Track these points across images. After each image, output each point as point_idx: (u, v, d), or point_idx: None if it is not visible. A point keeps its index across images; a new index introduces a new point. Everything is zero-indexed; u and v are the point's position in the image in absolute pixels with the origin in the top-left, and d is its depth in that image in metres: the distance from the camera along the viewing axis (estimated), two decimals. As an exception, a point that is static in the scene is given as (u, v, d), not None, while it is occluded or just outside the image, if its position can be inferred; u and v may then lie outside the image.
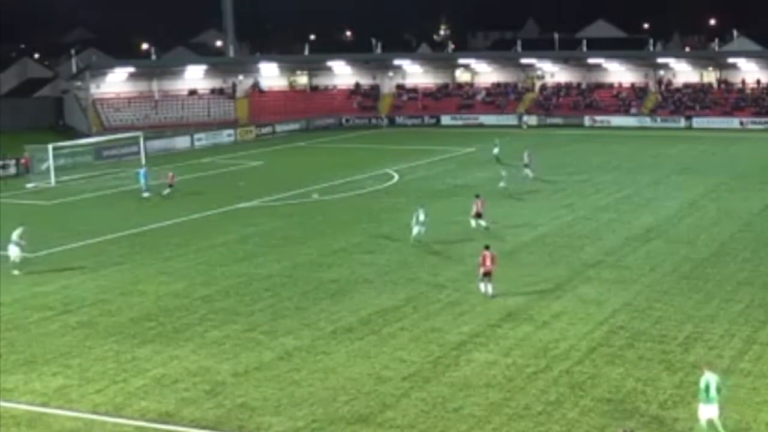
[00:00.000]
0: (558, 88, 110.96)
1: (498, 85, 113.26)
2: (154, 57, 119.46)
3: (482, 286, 36.76)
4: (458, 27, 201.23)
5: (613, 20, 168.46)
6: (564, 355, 29.69)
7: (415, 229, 45.60)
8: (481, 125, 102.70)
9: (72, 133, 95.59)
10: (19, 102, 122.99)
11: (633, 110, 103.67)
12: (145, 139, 79.75)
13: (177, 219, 53.48)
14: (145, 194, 60.68)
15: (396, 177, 67.04)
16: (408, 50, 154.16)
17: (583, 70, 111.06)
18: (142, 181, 61.23)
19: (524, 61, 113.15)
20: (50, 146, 70.85)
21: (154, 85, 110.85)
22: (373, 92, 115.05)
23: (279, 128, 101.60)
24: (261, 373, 29.17)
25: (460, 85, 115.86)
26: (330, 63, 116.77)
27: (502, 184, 58.92)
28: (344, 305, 35.91)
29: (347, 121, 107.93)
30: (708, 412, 23.15)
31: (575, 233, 47.50)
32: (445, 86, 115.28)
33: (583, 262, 41.62)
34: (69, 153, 74.35)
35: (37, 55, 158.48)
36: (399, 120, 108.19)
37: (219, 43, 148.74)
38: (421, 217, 45.57)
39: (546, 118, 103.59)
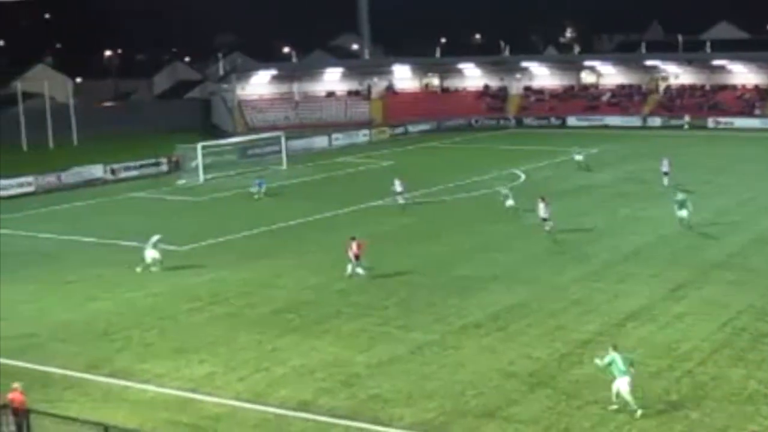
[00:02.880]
0: (682, 89, 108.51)
1: (623, 86, 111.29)
2: (294, 60, 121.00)
3: (350, 267, 39.23)
4: (584, 29, 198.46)
5: (737, 21, 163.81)
6: (686, 356, 29.08)
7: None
8: (606, 126, 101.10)
9: (218, 132, 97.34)
10: (170, 103, 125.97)
11: (757, 112, 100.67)
12: (286, 138, 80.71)
13: (312, 216, 53.89)
14: (255, 196, 61.52)
15: (523, 177, 66.53)
16: (535, 52, 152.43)
17: (707, 71, 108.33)
18: (257, 188, 62.06)
19: (648, 62, 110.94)
20: (199, 145, 72.29)
21: (295, 87, 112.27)
22: (501, 94, 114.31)
23: (411, 129, 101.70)
24: (393, 365, 29.34)
25: (585, 87, 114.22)
26: (460, 65, 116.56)
27: (509, 202, 52.43)
28: (473, 301, 35.84)
29: (476, 121, 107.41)
30: (618, 384, 24.98)
31: (698, 234, 46.38)
32: (571, 88, 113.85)
33: (706, 263, 40.63)
34: (216, 152, 75.71)
35: (187, 59, 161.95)
36: (526, 121, 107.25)
37: (355, 47, 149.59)
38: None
39: (669, 119, 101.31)
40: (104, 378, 29.12)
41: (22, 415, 24.57)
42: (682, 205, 46.97)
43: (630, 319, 32.94)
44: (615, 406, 25.10)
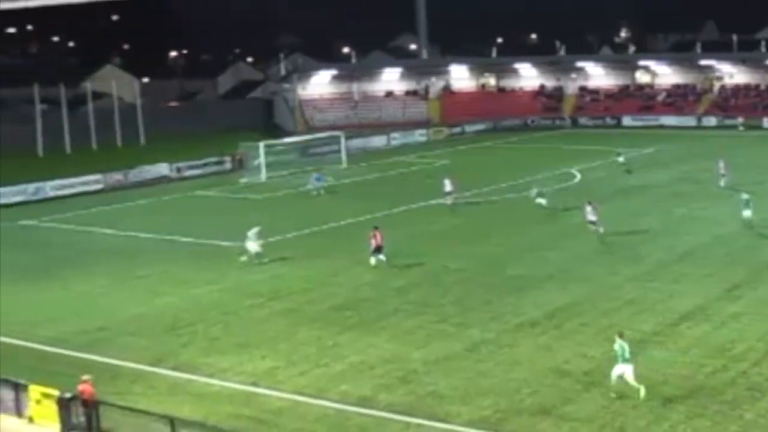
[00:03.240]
0: (736, 89, 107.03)
1: (677, 86, 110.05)
2: (354, 60, 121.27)
3: (373, 259, 40.74)
4: (639, 29, 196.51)
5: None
6: (741, 356, 28.69)
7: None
8: (661, 126, 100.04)
9: (280, 132, 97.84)
10: (234, 103, 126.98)
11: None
12: (345, 138, 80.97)
13: (369, 215, 53.61)
14: (314, 192, 62.31)
15: (578, 176, 66.10)
16: (590, 52, 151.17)
17: (761, 71, 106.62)
18: (316, 183, 62.93)
19: (703, 62, 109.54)
20: (261, 144, 72.75)
21: (354, 87, 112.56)
22: (557, 93, 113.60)
23: (468, 128, 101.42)
24: (450, 362, 29.34)
25: (640, 87, 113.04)
26: (516, 65, 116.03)
27: (540, 200, 53.54)
28: (528, 300, 35.71)
29: (532, 121, 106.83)
30: (622, 369, 25.94)
31: (755, 234, 45.67)
32: (626, 87, 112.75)
33: (762, 263, 40.03)
34: (277, 151, 76.17)
35: (250, 59, 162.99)
36: (581, 121, 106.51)
37: (413, 47, 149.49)
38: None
39: (724, 119, 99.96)
40: (170, 371, 29.49)
41: (91, 406, 24.99)
42: (746, 204, 46.71)
43: (685, 319, 32.58)
44: (614, 394, 25.96)
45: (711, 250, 42.93)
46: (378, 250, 41.16)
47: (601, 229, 45.40)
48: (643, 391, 25.48)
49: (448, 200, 55.28)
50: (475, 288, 37.73)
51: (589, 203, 46.67)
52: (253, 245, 42.91)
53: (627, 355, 26.08)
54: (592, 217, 45.92)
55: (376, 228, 41.97)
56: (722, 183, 58.41)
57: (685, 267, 39.75)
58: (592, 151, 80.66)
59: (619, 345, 26.21)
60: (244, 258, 42.70)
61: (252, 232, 43.26)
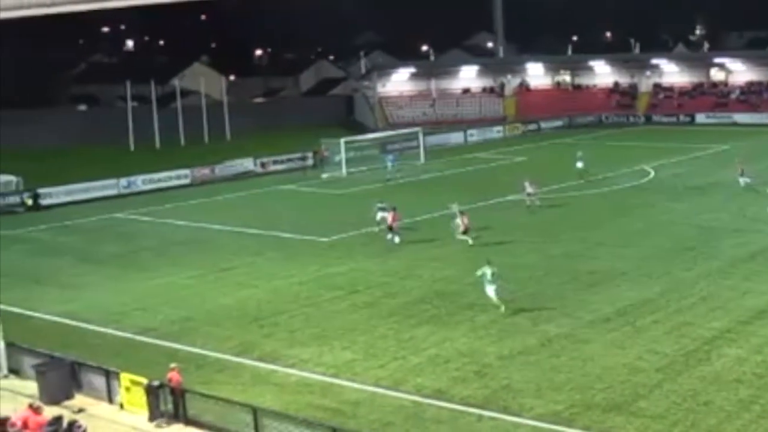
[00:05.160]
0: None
1: (752, 83, 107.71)
2: (432, 58, 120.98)
3: (390, 236, 44.70)
4: (714, 26, 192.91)
5: None
6: (815, 356, 28.08)
7: None
8: (735, 124, 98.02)
9: (360, 128, 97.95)
10: (315, 100, 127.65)
11: None
12: (424, 134, 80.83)
13: (444, 210, 53.24)
14: (390, 175, 63.76)
15: (652, 173, 65.11)
16: (665, 50, 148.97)
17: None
18: (389, 165, 65.33)
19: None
20: (342, 140, 72.97)
21: (432, 84, 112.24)
22: (631, 91, 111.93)
23: (544, 125, 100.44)
24: (524, 357, 29.16)
25: (714, 84, 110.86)
26: (591, 63, 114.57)
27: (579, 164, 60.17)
28: (601, 296, 35.30)
29: (606, 118, 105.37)
30: (489, 289, 33.41)
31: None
32: (700, 85, 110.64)
33: (836, 262, 39.15)
34: (358, 147, 76.40)
35: (331, 57, 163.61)
36: (655, 118, 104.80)
37: (490, 45, 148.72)
38: None
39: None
40: (253, 362, 29.79)
41: (178, 394, 25.36)
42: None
43: (758, 317, 31.89)
44: (502, 308, 33.05)
45: (785, 248, 41.99)
46: (465, 232, 43.78)
47: (537, 202, 52.03)
48: (503, 308, 32.84)
49: (528, 201, 54.24)
50: (549, 283, 37.43)
51: (529, 181, 52.80)
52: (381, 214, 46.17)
53: (489, 278, 33.04)
54: (530, 190, 52.32)
55: (394, 209, 45.48)
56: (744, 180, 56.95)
57: (758, 265, 38.93)
58: (665, 148, 79.29)
59: (483, 271, 33.28)
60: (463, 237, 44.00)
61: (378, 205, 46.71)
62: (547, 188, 58.71)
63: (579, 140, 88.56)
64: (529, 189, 54.03)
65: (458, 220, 43.92)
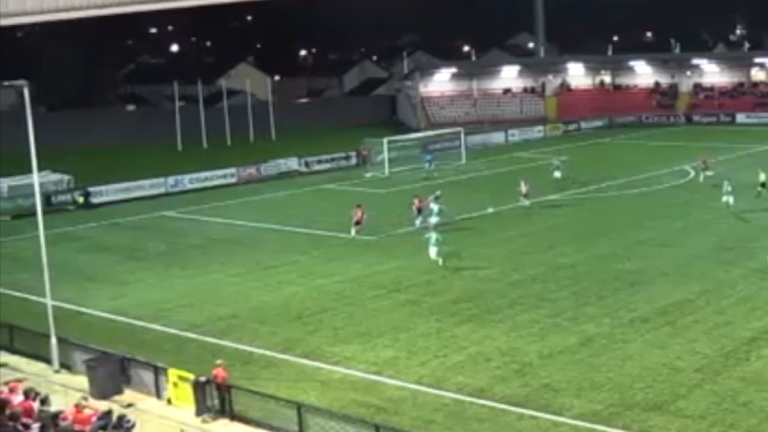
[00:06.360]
0: None
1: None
2: (473, 58, 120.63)
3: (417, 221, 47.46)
4: (754, 26, 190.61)
5: None
6: None
7: (724, 198, 49.33)
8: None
9: (403, 128, 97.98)
10: (359, 100, 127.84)
11: None
12: (465, 134, 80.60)
13: (486, 210, 53.21)
14: (428, 168, 66.13)
15: (692, 173, 64.48)
16: (705, 50, 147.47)
17: None
18: (428, 159, 66.81)
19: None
20: (385, 140, 72.94)
21: (474, 85, 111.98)
22: (672, 91, 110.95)
23: (584, 125, 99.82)
24: (564, 356, 29.06)
25: (755, 84, 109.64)
26: (631, 63, 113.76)
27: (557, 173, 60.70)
28: (641, 296, 35.07)
29: (647, 118, 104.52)
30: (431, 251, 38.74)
31: None
32: (741, 85, 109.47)
33: None
34: (400, 146, 76.37)
35: (374, 58, 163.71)
36: (696, 118, 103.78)
37: (531, 45, 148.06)
38: (728, 188, 49.34)
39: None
40: (298, 359, 29.91)
41: (224, 390, 25.55)
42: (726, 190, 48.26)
43: (798, 318, 31.61)
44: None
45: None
46: (420, 211, 47.79)
47: (527, 203, 52.55)
48: (440, 261, 38.61)
49: (526, 202, 53.42)
50: (590, 283, 37.22)
51: (523, 179, 53.81)
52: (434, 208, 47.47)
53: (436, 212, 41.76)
54: (523, 189, 53.04)
55: (415, 196, 49.24)
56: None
57: (796, 265, 38.51)
58: (705, 148, 78.32)
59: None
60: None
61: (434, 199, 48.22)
62: (585, 188, 58.38)
63: (620, 140, 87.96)
64: (523, 188, 53.55)
65: (413, 207, 48.15)
